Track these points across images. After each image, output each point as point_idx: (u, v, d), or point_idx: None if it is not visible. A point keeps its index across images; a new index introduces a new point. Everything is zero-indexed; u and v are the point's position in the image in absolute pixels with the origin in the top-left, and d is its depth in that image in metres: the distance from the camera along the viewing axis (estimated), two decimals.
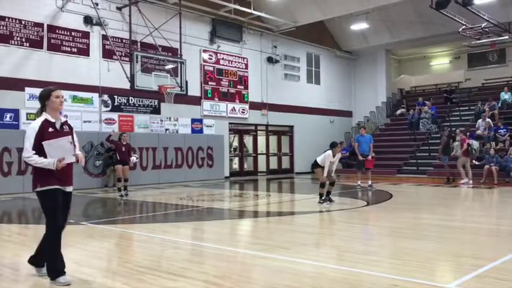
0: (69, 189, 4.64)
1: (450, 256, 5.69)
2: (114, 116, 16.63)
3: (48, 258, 4.56)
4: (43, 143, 4.33)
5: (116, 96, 16.74)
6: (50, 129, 4.47)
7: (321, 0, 19.87)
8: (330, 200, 10.83)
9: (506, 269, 4.97)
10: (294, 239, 6.91)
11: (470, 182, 15.78)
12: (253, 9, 19.91)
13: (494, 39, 21.54)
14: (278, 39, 22.61)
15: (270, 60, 22.32)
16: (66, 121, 4.72)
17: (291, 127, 23.68)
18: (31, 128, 4.45)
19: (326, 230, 7.87)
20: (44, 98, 4.59)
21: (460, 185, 15.79)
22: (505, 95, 20.62)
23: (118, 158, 12.76)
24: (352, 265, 5.22)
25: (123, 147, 12.74)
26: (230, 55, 20.72)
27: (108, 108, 16.55)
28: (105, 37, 16.38)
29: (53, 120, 4.54)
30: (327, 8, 20.13)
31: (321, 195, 10.82)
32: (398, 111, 24.41)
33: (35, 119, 4.59)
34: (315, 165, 10.84)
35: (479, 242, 6.67)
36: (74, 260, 5.20)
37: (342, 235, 7.35)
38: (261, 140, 22.79)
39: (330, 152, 10.74)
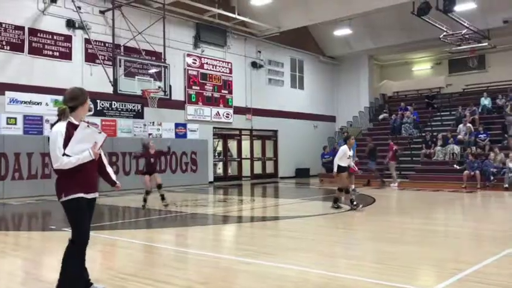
0: (94, 195, 4.20)
1: (432, 260, 5.75)
2: (97, 120, 16.46)
3: (67, 278, 4.07)
4: (71, 142, 3.92)
5: (98, 101, 16.59)
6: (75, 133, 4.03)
7: (305, 6, 19.99)
8: (338, 207, 10.67)
9: (487, 273, 5.03)
10: (278, 244, 6.91)
11: (395, 184, 17.04)
12: (238, 14, 19.95)
13: (474, 45, 21.94)
14: (262, 44, 22.68)
15: (254, 65, 22.36)
16: (88, 121, 4.24)
17: (275, 132, 23.73)
18: (57, 133, 3.94)
19: (310, 235, 7.89)
20: (79, 99, 4.12)
21: (391, 187, 16.89)
22: (484, 101, 20.98)
23: (145, 169, 11.98)
24: (336, 270, 5.24)
25: (151, 158, 11.79)
26: (214, 60, 20.71)
27: (91, 113, 16.38)
28: (87, 41, 16.24)
29: (77, 123, 4.06)
30: (310, 14, 20.27)
31: (336, 199, 10.64)
32: (381, 116, 24.65)
33: (56, 122, 4.06)
34: (339, 169, 10.46)
35: (461, 246, 6.76)
36: (54, 268, 5.12)
37: (325, 240, 7.37)
38: (245, 144, 22.80)
39: (345, 146, 10.58)
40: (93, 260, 6.11)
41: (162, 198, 11.56)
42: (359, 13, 20.23)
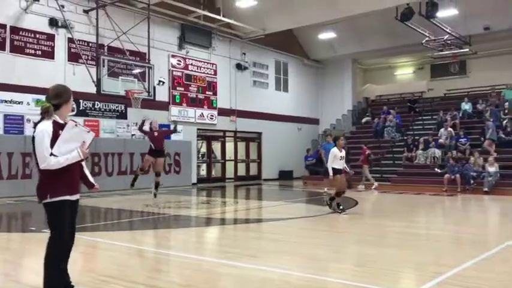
0: (77, 197, 4.14)
1: (413, 263, 5.83)
2: (80, 120, 16.26)
3: (47, 281, 4.01)
4: (58, 141, 3.83)
5: (81, 101, 16.41)
6: (61, 132, 3.93)
7: (290, 9, 20.08)
8: (331, 206, 10.58)
9: (466, 276, 5.12)
10: (260, 247, 6.93)
11: (363, 187, 17.50)
12: (223, 16, 19.95)
13: (456, 51, 22.29)
14: (247, 46, 22.71)
15: (238, 67, 22.38)
16: (71, 120, 4.14)
17: (259, 134, 23.76)
18: (43, 132, 3.82)
19: (292, 237, 7.92)
20: (63, 97, 4.03)
21: (371, 189, 17.20)
22: (465, 105, 21.31)
23: (152, 147, 11.66)
24: (318, 272, 5.27)
25: (155, 133, 11.57)
26: (199, 61, 20.66)
27: (73, 113, 16.18)
28: (71, 40, 16.07)
29: (63, 122, 3.98)
30: (295, 17, 20.36)
31: (338, 204, 10.51)
32: (364, 120, 24.87)
33: (40, 121, 3.94)
34: (334, 172, 10.36)
35: (441, 249, 6.86)
36: (34, 270, 5.06)
37: (308, 242, 7.41)
38: (229, 146, 22.78)
39: (335, 148, 10.52)
40: (74, 262, 6.03)
41: (156, 186, 11.47)
42: (344, 17, 20.38)
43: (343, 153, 10.65)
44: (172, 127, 12.13)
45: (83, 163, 4.32)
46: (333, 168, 10.39)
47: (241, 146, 23.37)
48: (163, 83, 15.33)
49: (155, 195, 11.82)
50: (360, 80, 28.26)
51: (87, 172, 4.40)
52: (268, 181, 22.94)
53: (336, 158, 10.42)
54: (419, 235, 8.26)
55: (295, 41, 25.55)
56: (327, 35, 23.04)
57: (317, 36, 23.57)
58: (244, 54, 22.66)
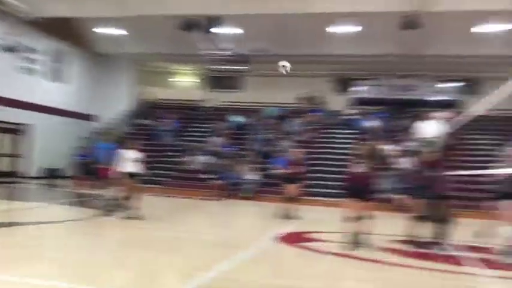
0: None
1: (173, 267, 5.93)
2: None
3: None
4: None
5: None
6: None
7: None
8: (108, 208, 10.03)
9: (223, 279, 5.40)
10: (9, 255, 6.15)
11: None
12: None
13: (235, 67, 24.02)
14: (19, 27, 20.20)
15: (5, 48, 19.71)
16: None
17: (25, 125, 21.35)
18: None
19: (49, 242, 7.26)
20: None
21: None
22: (237, 118, 23.22)
23: None
24: (67, 279, 4.91)
25: None
26: None
27: None
28: None
29: None
30: (76, 6, 19.01)
31: (123, 206, 10.02)
32: (141, 122, 24.78)
33: None
34: (124, 174, 9.81)
35: (199, 252, 7.14)
36: None
37: (63, 248, 6.92)
38: None
39: (123, 149, 10.03)
40: None
41: None
42: (131, 16, 19.93)
43: (136, 155, 10.19)
44: None
45: None
46: (121, 171, 9.96)
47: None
48: None
49: None
50: (142, 81, 28.03)
51: None
52: (32, 179, 20.77)
53: (126, 160, 9.98)
54: (182, 239, 8.46)
55: (75, 30, 23.79)
56: (111, 30, 22.21)
57: (101, 30, 22.51)
58: (14, 35, 20.07)
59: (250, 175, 17.95)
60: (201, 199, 16.31)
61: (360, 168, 7.56)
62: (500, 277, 6.26)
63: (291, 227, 10.12)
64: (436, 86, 23.30)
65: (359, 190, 7.37)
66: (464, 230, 8.39)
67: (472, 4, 16.12)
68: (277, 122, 22.74)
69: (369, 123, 21.46)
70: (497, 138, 19.14)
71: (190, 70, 28.39)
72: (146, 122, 24.34)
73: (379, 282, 5.75)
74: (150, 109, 26.51)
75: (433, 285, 5.77)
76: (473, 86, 23.11)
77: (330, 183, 17.07)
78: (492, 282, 6.02)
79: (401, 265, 6.68)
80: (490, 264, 6.84)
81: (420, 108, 22.44)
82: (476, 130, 20.29)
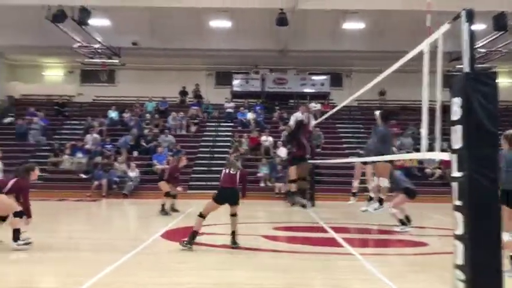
0: None
1: (52, 276, 5.64)
2: None
3: None
4: None
5: None
6: None
7: None
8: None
9: (106, 283, 5.26)
10: None
11: None
12: None
13: (105, 60, 23.05)
14: None
15: None
16: None
17: None
18: None
19: None
20: None
21: None
22: (112, 113, 22.33)
23: None
24: None
25: None
26: None
27: None
28: None
29: None
30: None
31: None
32: (6, 120, 22.72)
33: None
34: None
35: (81, 258, 6.79)
36: None
37: None
38: None
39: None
40: None
41: None
42: None
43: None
44: None
45: None
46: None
47: None
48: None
49: None
50: (7, 75, 25.57)
51: None
52: None
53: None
54: (59, 245, 7.98)
55: None
56: None
57: None
58: None
59: (129, 172, 17.49)
60: (77, 200, 15.51)
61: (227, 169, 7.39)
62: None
63: (173, 223, 10.13)
64: (306, 79, 24.72)
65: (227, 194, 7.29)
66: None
67: (335, 4, 17.51)
68: (157, 117, 22.41)
69: (244, 116, 22.23)
70: (361, 126, 21.16)
71: (60, 63, 26.55)
72: (13, 120, 22.31)
73: (271, 269, 6.07)
74: (16, 106, 24.39)
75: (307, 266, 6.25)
76: (339, 78, 25.07)
77: (212, 175, 17.35)
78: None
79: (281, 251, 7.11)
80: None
81: (293, 100, 23.85)
82: (344, 120, 22.16)
